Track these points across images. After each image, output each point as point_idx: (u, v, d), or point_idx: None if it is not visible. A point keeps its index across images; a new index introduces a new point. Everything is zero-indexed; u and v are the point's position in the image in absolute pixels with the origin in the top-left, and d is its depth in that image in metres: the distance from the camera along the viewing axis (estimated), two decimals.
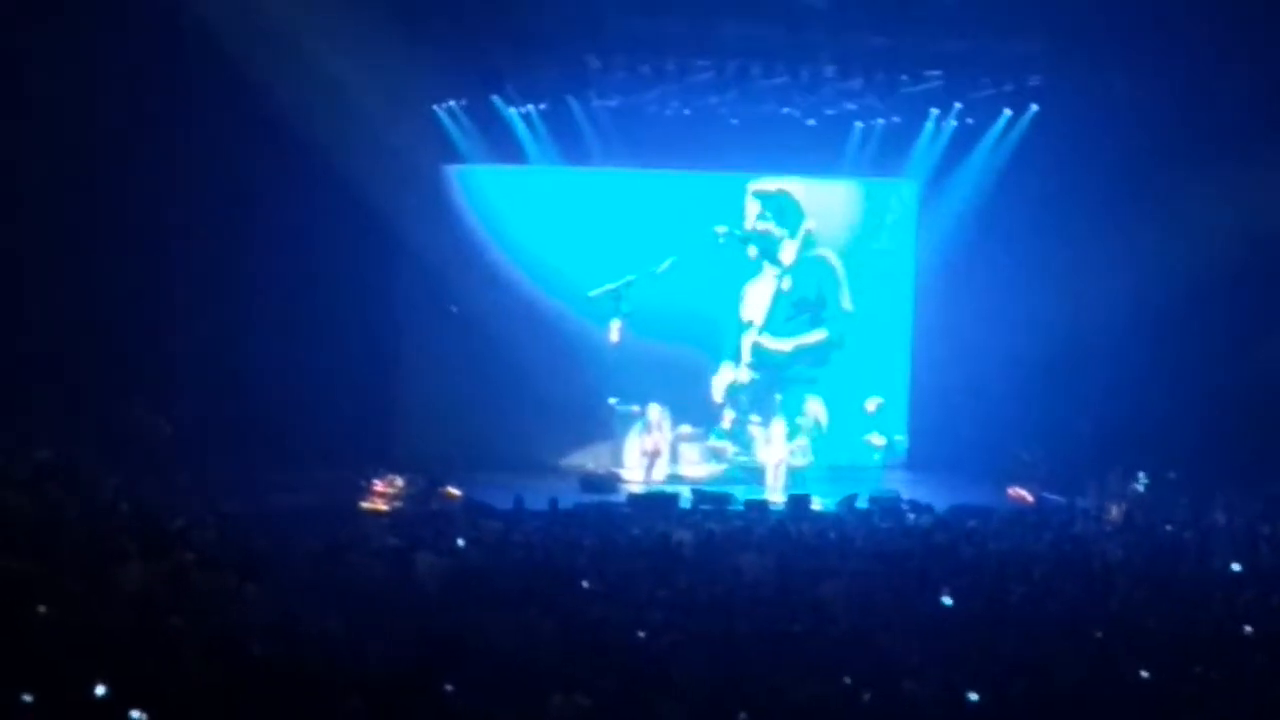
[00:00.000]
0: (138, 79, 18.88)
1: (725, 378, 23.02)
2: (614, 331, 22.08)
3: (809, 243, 22.98)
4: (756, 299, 23.10)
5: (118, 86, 18.77)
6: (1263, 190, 19.26)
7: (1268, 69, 19.19)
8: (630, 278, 22.13)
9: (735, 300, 23.09)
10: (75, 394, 18.63)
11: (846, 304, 23.11)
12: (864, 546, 13.56)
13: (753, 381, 23.04)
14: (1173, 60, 19.32)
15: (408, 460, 19.67)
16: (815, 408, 23.05)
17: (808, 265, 23.05)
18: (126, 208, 19.80)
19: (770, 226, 22.90)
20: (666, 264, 22.21)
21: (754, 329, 23.08)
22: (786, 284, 23.01)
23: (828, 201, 23.22)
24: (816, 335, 23.15)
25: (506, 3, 19.65)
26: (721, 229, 22.68)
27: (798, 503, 17.96)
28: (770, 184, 22.93)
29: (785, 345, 23.11)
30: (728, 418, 22.95)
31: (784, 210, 22.94)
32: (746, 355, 23.10)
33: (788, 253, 22.97)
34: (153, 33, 18.55)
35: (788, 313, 23.09)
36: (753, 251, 22.93)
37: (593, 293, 22.21)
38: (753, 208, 22.91)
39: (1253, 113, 19.68)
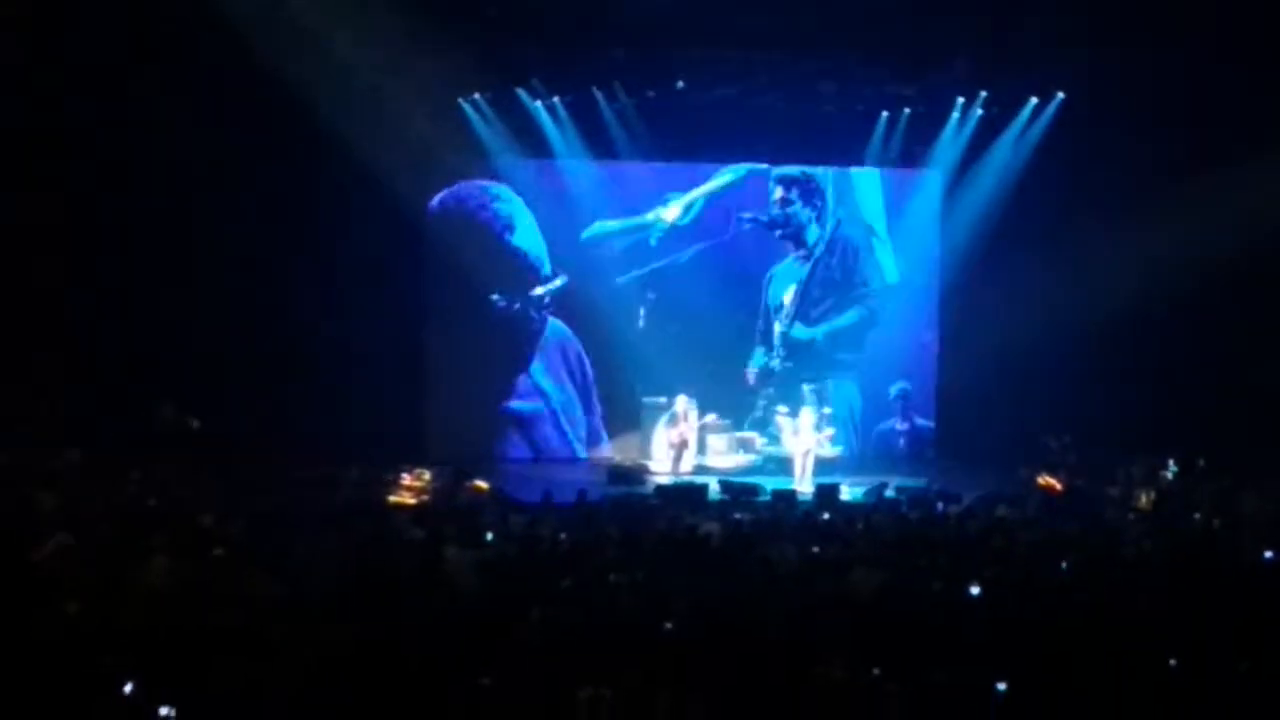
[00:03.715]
0: (163, 77, 18.97)
1: (757, 365, 23.01)
2: (640, 319, 22.18)
3: (835, 224, 22.96)
4: (784, 284, 23.09)
5: (147, 86, 18.89)
6: None
7: None
8: (655, 265, 22.21)
9: (762, 287, 23.10)
10: (104, 393, 18.69)
11: (877, 281, 23.13)
12: (892, 536, 13.51)
13: (783, 369, 23.03)
14: (1203, 49, 19.13)
15: (435, 454, 19.74)
16: (844, 396, 23.05)
17: (834, 246, 23.02)
18: (157, 206, 19.92)
19: (796, 210, 22.88)
20: (691, 251, 22.27)
21: (783, 315, 23.05)
22: (814, 267, 22.99)
23: (853, 188, 23.16)
24: (847, 317, 23.12)
25: None
26: (747, 214, 22.71)
27: (826, 493, 17.85)
28: (795, 168, 22.93)
29: (816, 330, 23.10)
30: (756, 407, 22.96)
31: (809, 193, 22.91)
32: (776, 343, 23.09)
33: (814, 235, 22.96)
34: (175, 29, 18.67)
35: (816, 296, 23.06)
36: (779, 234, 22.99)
37: (619, 279, 22.30)
38: (778, 191, 22.89)
39: None
